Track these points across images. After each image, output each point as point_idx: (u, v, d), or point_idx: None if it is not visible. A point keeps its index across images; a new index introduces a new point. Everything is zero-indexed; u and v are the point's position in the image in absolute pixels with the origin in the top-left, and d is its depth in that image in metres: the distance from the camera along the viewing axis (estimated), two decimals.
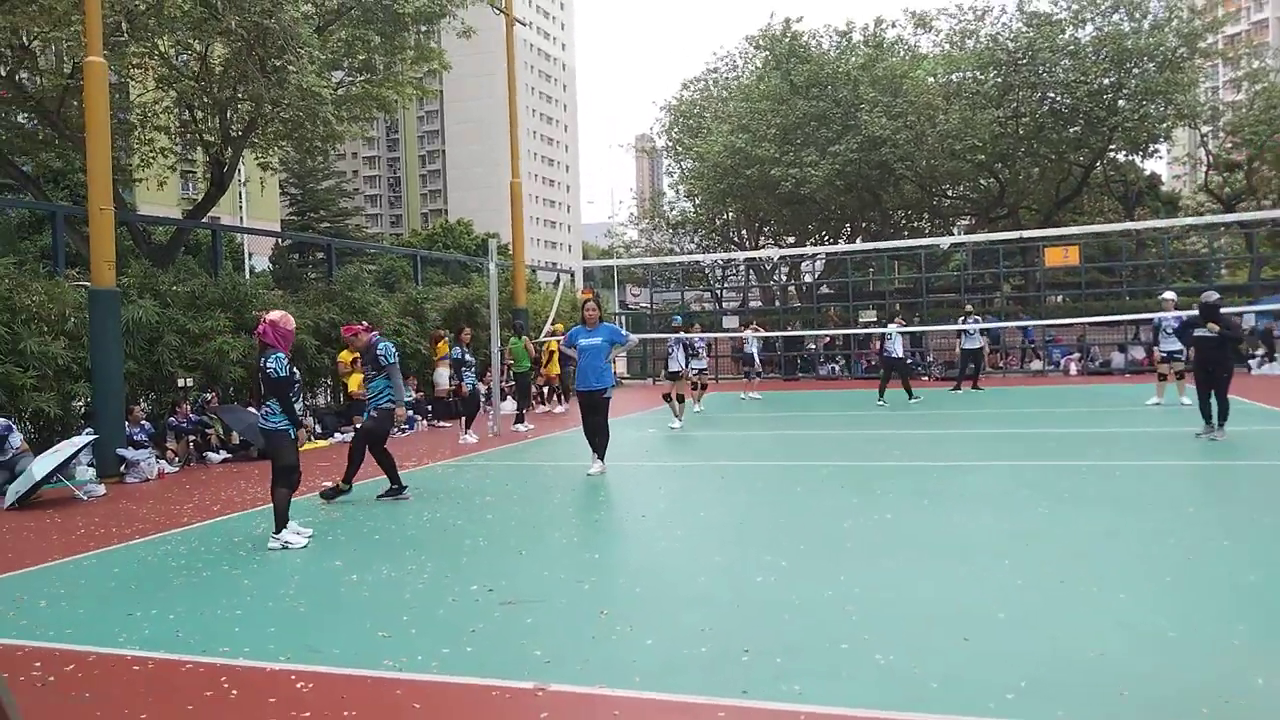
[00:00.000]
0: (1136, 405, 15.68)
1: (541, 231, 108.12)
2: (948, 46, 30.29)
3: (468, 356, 14.73)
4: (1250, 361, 23.20)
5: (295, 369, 7.28)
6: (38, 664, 4.69)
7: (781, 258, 34.66)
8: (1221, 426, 11.12)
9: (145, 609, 5.57)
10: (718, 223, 38.04)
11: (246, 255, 36.28)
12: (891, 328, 19.23)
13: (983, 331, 20.71)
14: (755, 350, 20.26)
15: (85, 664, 4.70)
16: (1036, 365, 26.94)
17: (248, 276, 21.93)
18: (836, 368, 28.20)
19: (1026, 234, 20.70)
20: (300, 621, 5.28)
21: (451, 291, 21.08)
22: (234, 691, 4.25)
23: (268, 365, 7.04)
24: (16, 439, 10.54)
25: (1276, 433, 12.02)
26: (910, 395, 17.87)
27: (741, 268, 35.07)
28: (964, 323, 20.07)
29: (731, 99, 33.18)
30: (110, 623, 5.34)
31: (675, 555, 6.48)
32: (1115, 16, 28.43)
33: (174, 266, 15.57)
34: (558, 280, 32.86)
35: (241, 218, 49.40)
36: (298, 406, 7.20)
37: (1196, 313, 11.45)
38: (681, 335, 16.58)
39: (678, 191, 38.09)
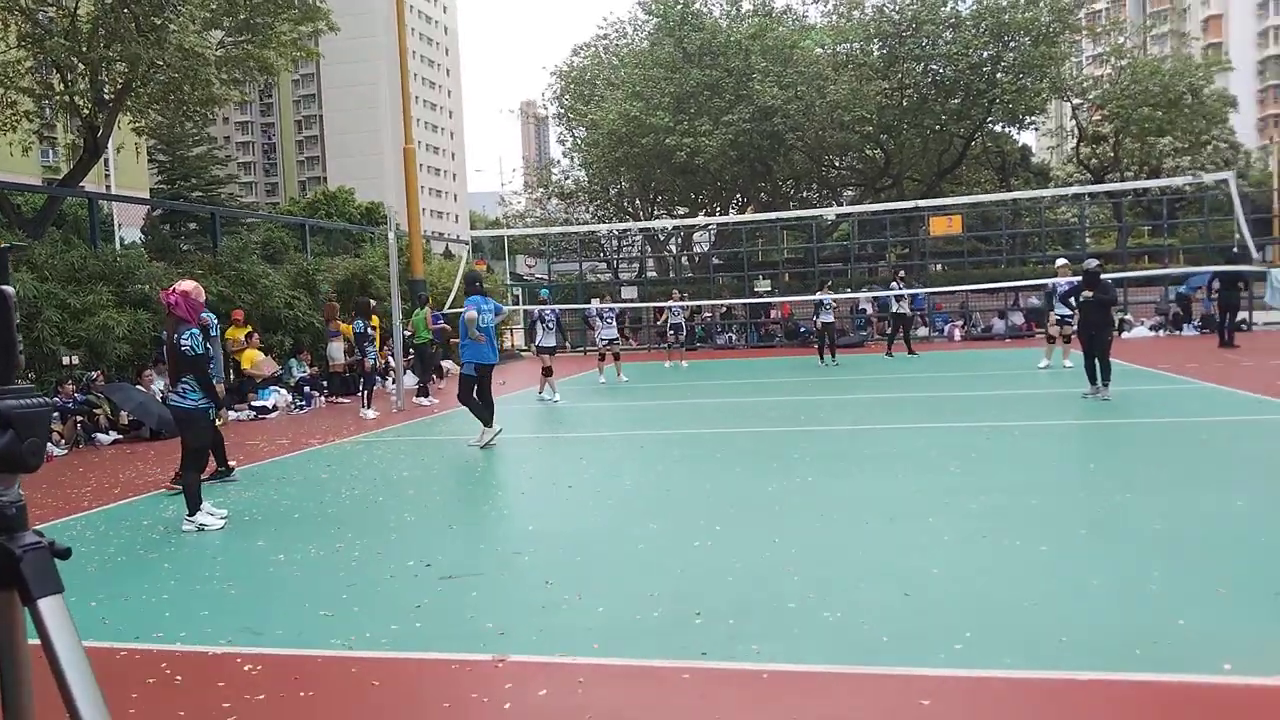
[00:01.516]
0: (1025, 369, 16.43)
1: (428, 201, 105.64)
2: (835, 18, 30.82)
3: (369, 330, 14.39)
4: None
5: (209, 344, 6.99)
6: None
7: (675, 228, 34.91)
8: (1106, 385, 11.78)
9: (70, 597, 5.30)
10: (611, 192, 37.99)
11: (116, 226, 34.39)
12: (822, 295, 19.73)
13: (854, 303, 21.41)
14: (681, 319, 20.39)
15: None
16: (923, 332, 27.93)
17: (118, 248, 20.81)
18: (733, 337, 28.63)
19: (920, 203, 21.41)
20: (233, 604, 5.12)
21: (344, 262, 20.50)
22: (178, 677, 4.11)
23: (181, 341, 6.73)
24: None
25: (1155, 391, 12.80)
26: (828, 359, 19.07)
27: (637, 238, 35.13)
28: (896, 288, 20.82)
29: (624, 65, 33.04)
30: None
31: (609, 524, 6.52)
32: None
33: (46, 238, 14.67)
34: (447, 251, 32.39)
35: (109, 186, 46.68)
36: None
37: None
38: (600, 305, 16.59)
39: (572, 160, 37.84)
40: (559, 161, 41.01)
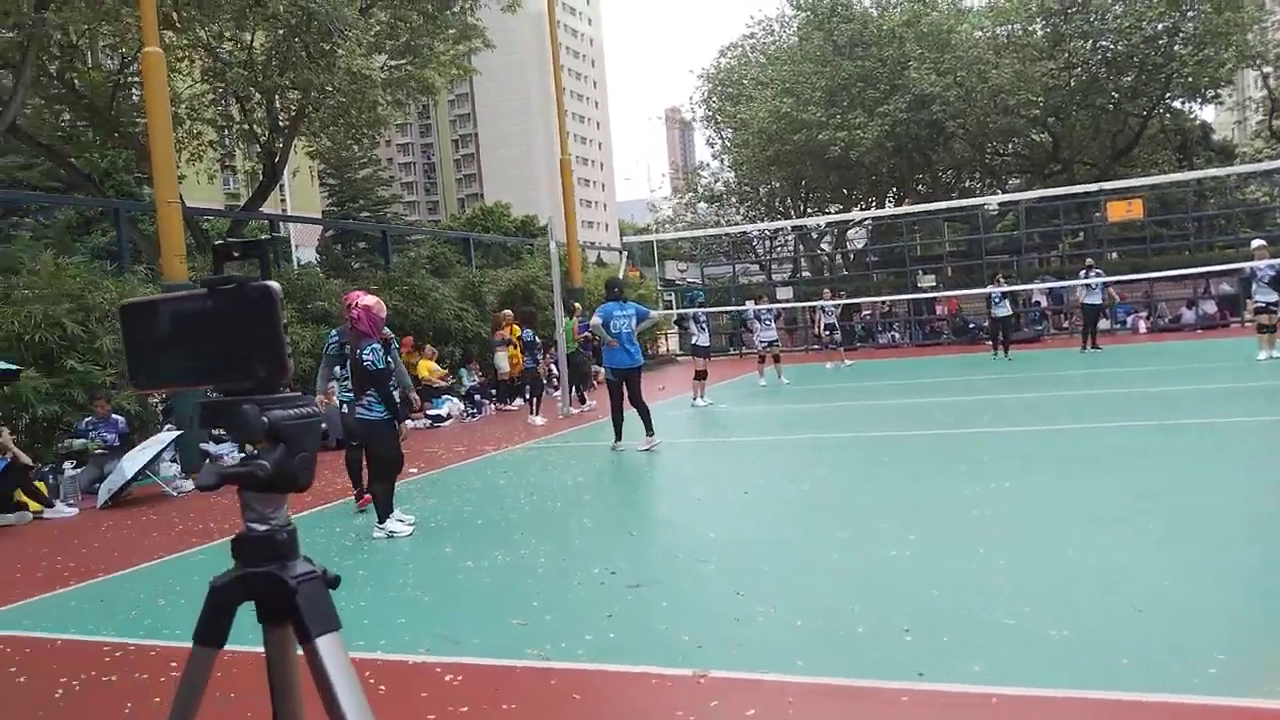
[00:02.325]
0: (1228, 361, 15.13)
1: (578, 211, 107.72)
2: None
3: (536, 339, 14.62)
4: None
5: (389, 356, 7.15)
6: (174, 664, 4.61)
7: (828, 225, 34.18)
8: None
9: None
10: (761, 192, 37.52)
11: (294, 247, 36.48)
12: (994, 288, 18.91)
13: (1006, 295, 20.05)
14: (834, 319, 19.93)
15: (220, 663, 4.59)
16: (1104, 324, 26.27)
17: (295, 268, 21.98)
18: (896, 336, 27.72)
19: (1093, 187, 20.12)
20: (427, 611, 5.16)
21: (506, 274, 20.96)
22: (381, 687, 4.13)
23: (364, 356, 6.89)
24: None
25: None
26: (1001, 353, 18.30)
27: (790, 237, 34.57)
28: (1087, 276, 19.50)
29: (773, 63, 32.58)
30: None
31: (794, 531, 6.28)
32: None
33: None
34: (599, 260, 32.70)
35: (285, 209, 49.67)
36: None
37: None
38: (757, 306, 16.38)
39: (722, 162, 37.62)
40: (707, 164, 40.81)
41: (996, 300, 19.13)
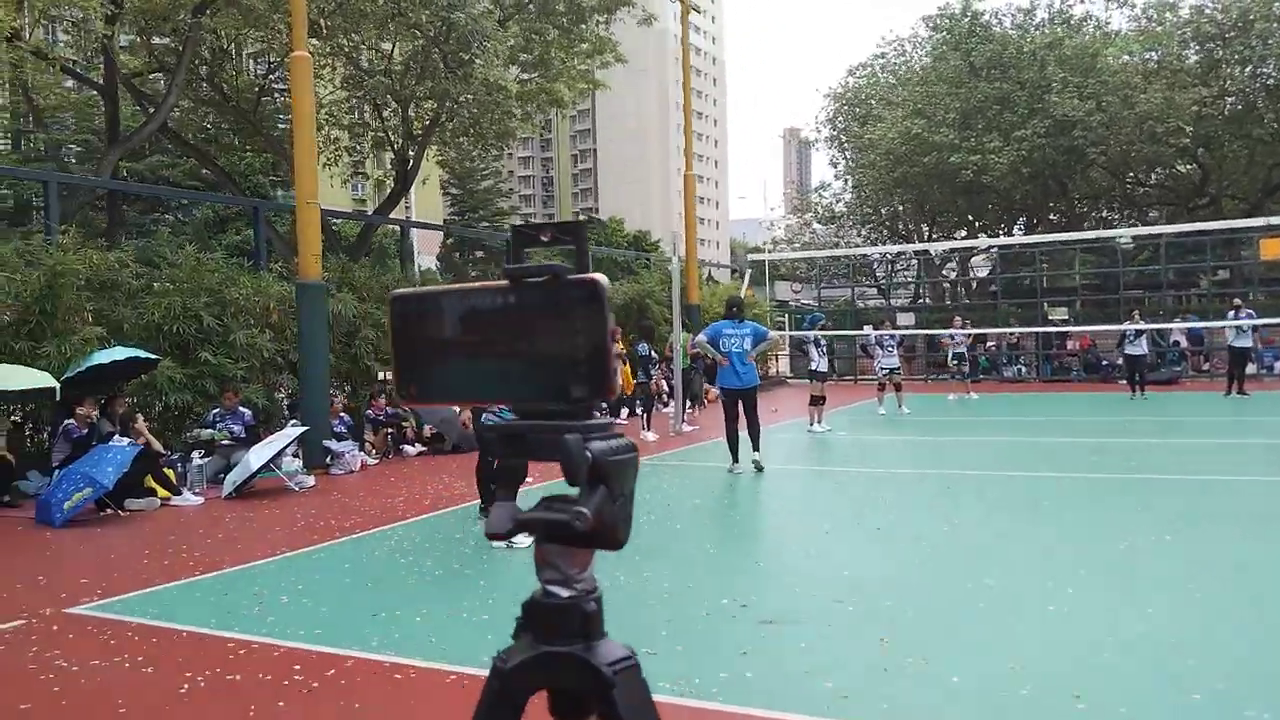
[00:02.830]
0: None
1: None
2: (1144, 21, 28.11)
3: (652, 354, 14.46)
4: None
5: None
6: (297, 667, 4.52)
7: (952, 251, 33.15)
8: None
9: (389, 609, 5.38)
10: (883, 213, 36.66)
11: (416, 253, 37.36)
12: (1130, 325, 18.02)
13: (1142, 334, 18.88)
14: (965, 348, 19.23)
15: (344, 669, 4.49)
16: (1250, 369, 24.65)
17: (417, 274, 22.40)
18: (1023, 369, 26.58)
19: (1237, 223, 18.92)
20: None
21: (622, 286, 20.90)
22: None
23: None
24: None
25: None
26: (1139, 393, 17.51)
27: (912, 262, 33.68)
28: (1236, 316, 18.54)
29: (904, 84, 31.84)
30: (357, 623, 5.16)
31: (934, 574, 5.88)
32: None
33: (362, 263, 15.91)
34: (709, 276, 32.44)
35: (409, 216, 51.07)
36: None
37: None
38: (879, 331, 15.87)
39: (845, 182, 36.93)
40: (829, 184, 40.14)
41: (1131, 339, 18.15)
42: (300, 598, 5.75)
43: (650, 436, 13.92)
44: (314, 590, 5.92)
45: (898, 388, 16.65)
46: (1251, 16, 25.26)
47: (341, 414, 12.67)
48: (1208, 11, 26.55)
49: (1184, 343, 25.26)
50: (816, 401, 14.33)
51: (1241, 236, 25.97)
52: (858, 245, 35.21)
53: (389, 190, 19.14)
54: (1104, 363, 24.95)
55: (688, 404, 15.71)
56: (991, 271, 33.22)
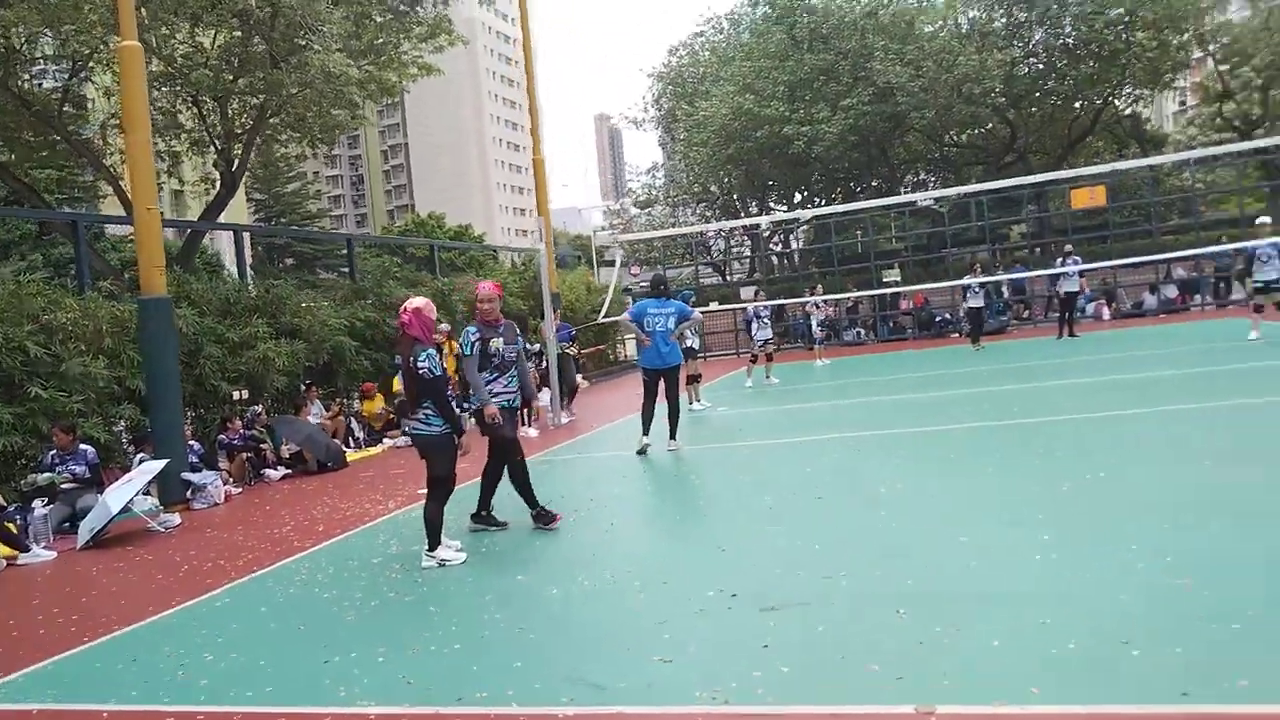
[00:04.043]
0: (1235, 340, 15.03)
1: (511, 220, 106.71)
2: None
3: (528, 346, 13.88)
4: None
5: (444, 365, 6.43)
6: None
7: (776, 224, 33.90)
8: None
9: (339, 652, 4.73)
10: (713, 190, 37.03)
11: (226, 261, 34.95)
12: (971, 279, 18.73)
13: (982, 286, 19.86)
14: (820, 316, 19.63)
15: None
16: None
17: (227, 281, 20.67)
18: (861, 332, 27.46)
19: (1052, 176, 20.06)
20: (540, 650, 4.47)
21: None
22: None
23: (419, 364, 6.16)
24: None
25: None
26: (978, 344, 17.82)
27: (746, 239, 34.25)
28: (1064, 263, 19.54)
29: (729, 61, 32.17)
30: (310, 674, 4.49)
31: (907, 538, 5.72)
32: None
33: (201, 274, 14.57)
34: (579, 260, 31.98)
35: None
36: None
37: None
38: (756, 305, 15.96)
39: (679, 162, 37.12)
40: (660, 165, 40.32)
41: (974, 291, 18.97)
42: (226, 652, 5.00)
43: (532, 433, 13.37)
44: (238, 642, 5.16)
45: (769, 358, 16.78)
46: None
47: (190, 442, 11.48)
48: None
49: (1007, 293, 26.74)
50: (694, 380, 14.21)
51: (1050, 189, 27.72)
52: (692, 224, 35.50)
53: (215, 194, 17.59)
54: (937, 319, 26.11)
55: (565, 396, 15.25)
56: (814, 240, 34.18)
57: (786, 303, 21.02)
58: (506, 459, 7.09)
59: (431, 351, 6.27)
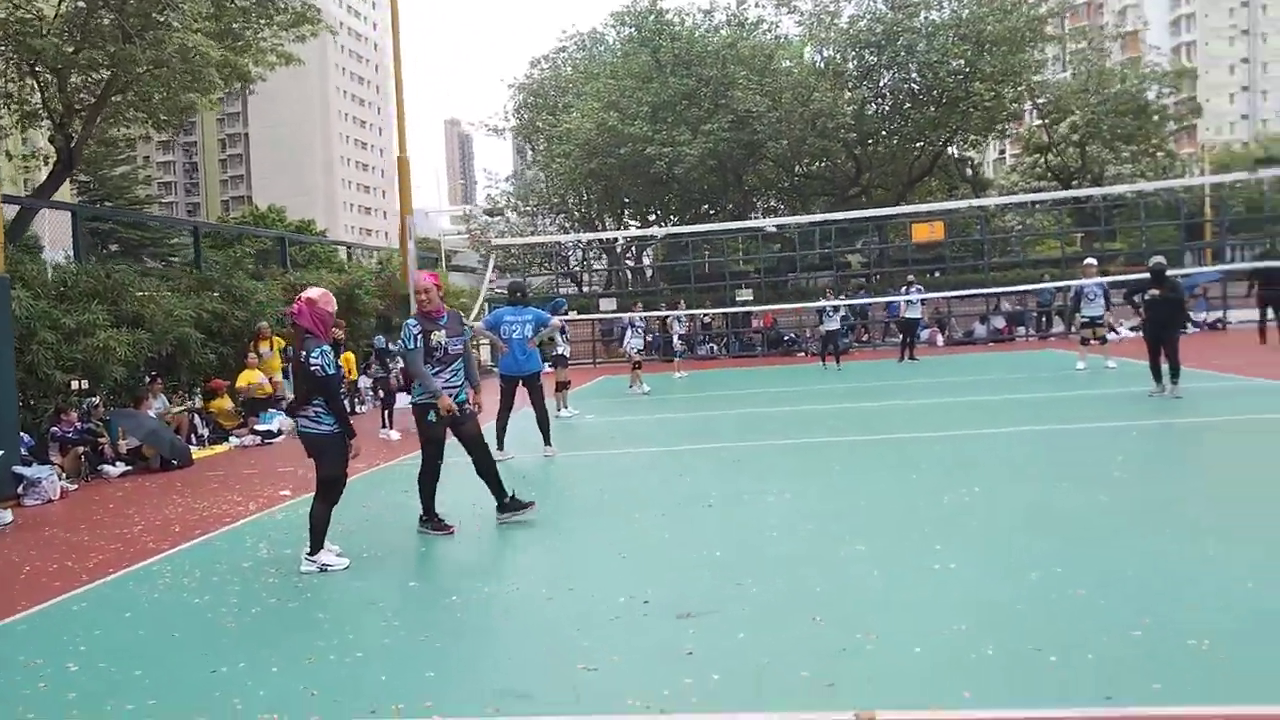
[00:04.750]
0: (1063, 370, 16.13)
1: (355, 218, 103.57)
2: (812, 25, 30.61)
3: (391, 346, 13.46)
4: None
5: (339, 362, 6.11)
6: None
7: (631, 239, 34.26)
8: (1175, 383, 11.49)
9: (227, 662, 4.39)
10: (569, 202, 37.02)
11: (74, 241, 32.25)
12: (827, 302, 19.47)
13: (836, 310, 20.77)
14: (681, 330, 19.93)
15: None
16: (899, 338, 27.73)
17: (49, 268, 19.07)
18: (714, 347, 28.08)
19: (850, 216, 21.24)
20: (452, 659, 4.29)
21: (330, 277, 19.37)
22: None
23: (311, 359, 5.83)
24: None
25: (1223, 388, 12.50)
26: (834, 365, 19.16)
27: (618, 248, 34.43)
28: (908, 292, 20.57)
29: (593, 77, 32.32)
30: (198, 686, 4.14)
31: (805, 546, 5.81)
32: (960, 4, 29.53)
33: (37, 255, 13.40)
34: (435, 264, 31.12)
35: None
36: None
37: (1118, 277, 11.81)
38: (630, 315, 16.04)
39: (541, 173, 36.94)
40: (520, 174, 40.04)
41: (829, 314, 19.70)
42: (93, 662, 4.56)
43: (394, 435, 12.97)
44: (105, 651, 4.72)
45: (637, 366, 16.93)
46: (897, 29, 28.34)
47: (21, 434, 10.52)
48: (862, 23, 29.43)
49: (851, 317, 27.91)
50: (562, 387, 14.14)
51: (889, 223, 29.17)
52: (551, 234, 35.39)
53: (50, 172, 16.18)
54: (785, 338, 27.02)
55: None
56: (664, 257, 34.73)
57: (653, 315, 21.15)
58: (471, 453, 6.98)
59: (326, 348, 5.95)
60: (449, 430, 6.88)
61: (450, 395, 6.81)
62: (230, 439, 13.78)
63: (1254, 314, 19.34)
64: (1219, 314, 25.35)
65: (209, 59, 13.04)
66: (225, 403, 14.08)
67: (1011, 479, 7.51)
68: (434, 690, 3.92)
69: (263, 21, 17.49)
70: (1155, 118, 32.67)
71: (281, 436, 14.00)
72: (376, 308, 19.17)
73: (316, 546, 6.02)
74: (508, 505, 7.00)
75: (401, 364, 13.71)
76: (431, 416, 6.79)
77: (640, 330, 16.89)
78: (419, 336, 6.77)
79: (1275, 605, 4.22)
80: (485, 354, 29.81)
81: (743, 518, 6.71)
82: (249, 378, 14.59)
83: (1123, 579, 4.75)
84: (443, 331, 6.83)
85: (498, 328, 10.11)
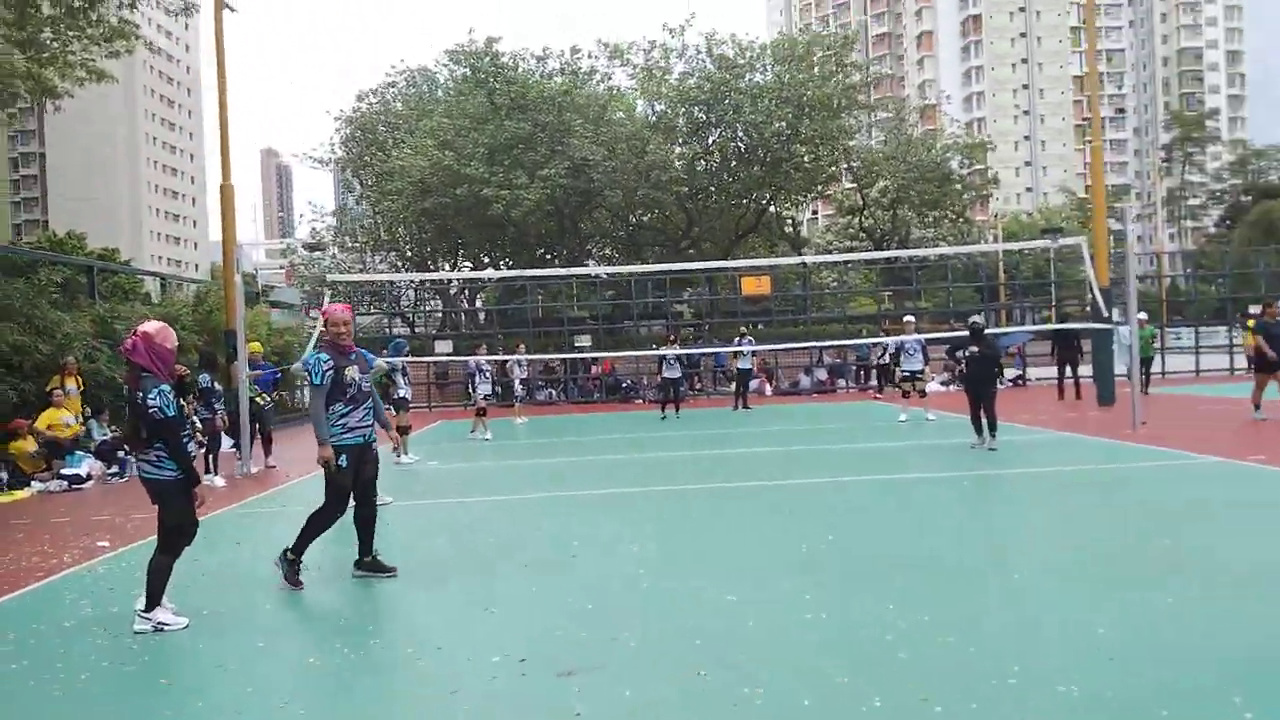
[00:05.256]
0: (888, 421, 16.94)
1: (162, 248, 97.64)
2: (644, 79, 31.39)
3: (216, 386, 12.65)
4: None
5: (181, 401, 5.63)
6: None
7: (465, 281, 33.90)
8: (994, 436, 12.28)
9: None
10: (401, 240, 36.16)
11: None
12: (668, 350, 19.73)
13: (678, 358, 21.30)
14: (522, 374, 19.69)
15: None
16: (732, 387, 28.51)
17: None
18: (553, 393, 27.97)
19: (687, 267, 21.99)
20: None
21: (144, 309, 18.07)
22: None
23: (149, 401, 5.33)
24: None
25: (1036, 441, 13.43)
26: (672, 412, 19.37)
27: (452, 290, 33.80)
28: (740, 343, 21.20)
29: (426, 114, 31.89)
30: None
31: (675, 597, 5.77)
32: (783, 68, 31.06)
33: None
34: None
35: None
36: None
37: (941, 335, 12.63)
38: (476, 359, 15.81)
39: (372, 209, 35.94)
40: (348, 209, 38.88)
41: (670, 362, 20.01)
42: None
43: (218, 482, 12.14)
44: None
45: (483, 413, 16.59)
46: (725, 89, 29.50)
47: None
48: (691, 80, 30.46)
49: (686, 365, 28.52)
50: (403, 431, 13.66)
51: (719, 275, 30.06)
52: (381, 271, 34.46)
53: None
54: (624, 384, 27.26)
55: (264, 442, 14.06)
56: (498, 300, 34.50)
57: (496, 359, 20.78)
58: (362, 500, 6.54)
59: (165, 387, 5.46)
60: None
61: (361, 435, 6.47)
62: (32, 484, 12.54)
63: (1051, 371, 21.04)
64: (1019, 371, 27.42)
65: (14, 69, 11.97)
66: (27, 444, 12.81)
67: (864, 526, 7.77)
68: None
69: (73, 34, 16.31)
70: (958, 186, 35.23)
71: (91, 482, 12.87)
72: (196, 344, 18.01)
73: (153, 603, 5.50)
74: (369, 564, 6.62)
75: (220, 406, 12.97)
76: (343, 461, 6.35)
77: (489, 375, 16.59)
78: (329, 373, 6.35)
79: (1122, 649, 4.50)
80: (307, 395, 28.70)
81: (608, 568, 6.62)
82: (52, 417, 13.37)
83: (985, 624, 4.97)
84: (355, 368, 6.48)
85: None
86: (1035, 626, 4.87)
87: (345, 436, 6.39)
